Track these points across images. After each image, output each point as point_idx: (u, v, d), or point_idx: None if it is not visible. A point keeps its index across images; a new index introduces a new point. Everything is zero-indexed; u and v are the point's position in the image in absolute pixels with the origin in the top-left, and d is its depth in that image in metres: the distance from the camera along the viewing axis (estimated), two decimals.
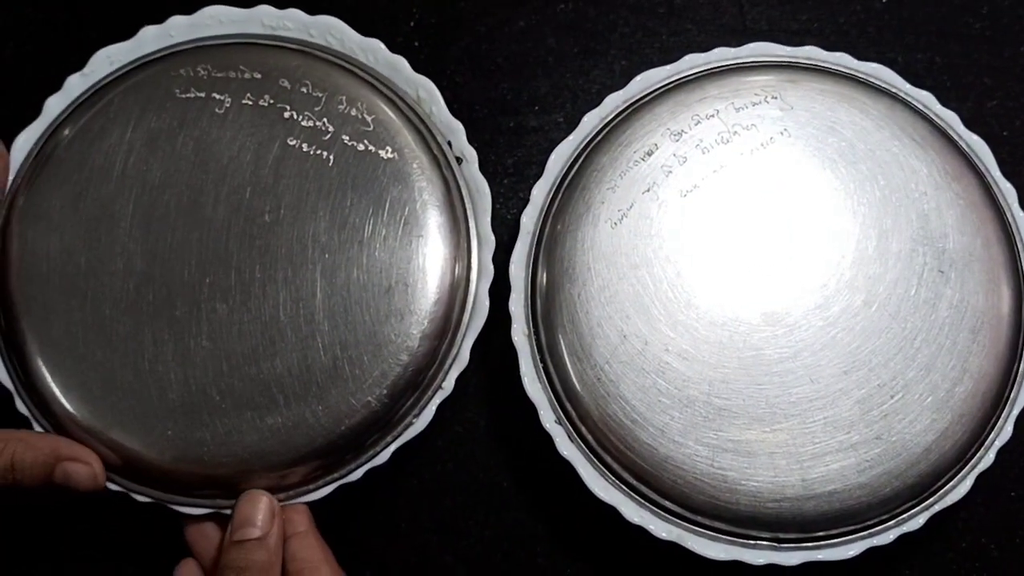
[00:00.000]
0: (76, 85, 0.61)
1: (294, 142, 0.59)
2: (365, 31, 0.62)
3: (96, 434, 0.56)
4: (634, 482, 0.57)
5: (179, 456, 0.56)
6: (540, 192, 0.61)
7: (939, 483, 0.56)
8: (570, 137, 0.62)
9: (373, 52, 0.62)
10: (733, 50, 0.63)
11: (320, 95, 0.60)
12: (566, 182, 0.61)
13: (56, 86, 0.61)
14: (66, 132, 0.59)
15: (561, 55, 0.70)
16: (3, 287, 0.57)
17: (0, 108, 0.68)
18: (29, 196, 0.58)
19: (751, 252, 0.58)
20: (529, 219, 0.61)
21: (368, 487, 0.59)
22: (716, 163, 0.59)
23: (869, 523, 0.56)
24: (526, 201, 0.61)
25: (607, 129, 0.62)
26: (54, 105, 0.61)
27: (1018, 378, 0.58)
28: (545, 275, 0.59)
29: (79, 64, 0.61)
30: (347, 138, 0.59)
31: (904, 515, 0.56)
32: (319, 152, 0.59)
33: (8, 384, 0.57)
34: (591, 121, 0.62)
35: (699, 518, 0.56)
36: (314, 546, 0.56)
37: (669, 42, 0.70)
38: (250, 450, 0.56)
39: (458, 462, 0.64)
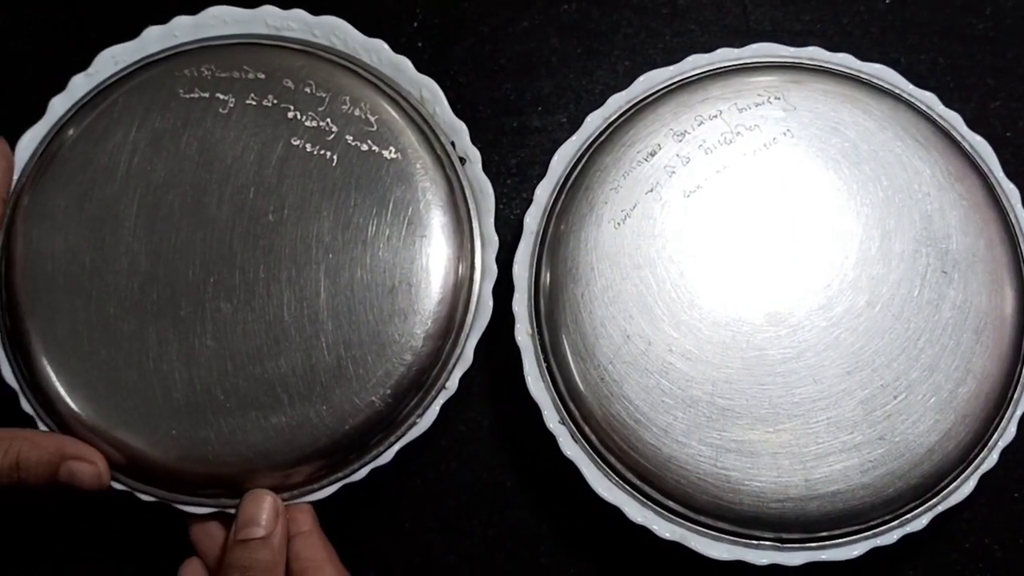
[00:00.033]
0: (80, 85, 0.61)
1: (298, 142, 0.59)
2: (369, 31, 0.62)
3: (101, 433, 0.56)
4: (637, 482, 0.57)
5: (183, 455, 0.56)
6: (543, 192, 0.61)
7: (942, 484, 0.56)
8: (573, 137, 0.62)
9: (377, 52, 0.62)
10: (736, 51, 0.63)
11: (324, 95, 0.60)
12: (569, 182, 0.61)
13: (60, 86, 0.61)
14: (70, 132, 0.59)
15: (565, 55, 0.70)
16: (8, 287, 0.57)
17: (4, 108, 0.68)
18: (34, 196, 0.58)
19: (754, 252, 0.58)
20: (532, 219, 0.61)
21: (372, 486, 0.59)
22: (719, 163, 0.60)
23: (872, 523, 0.56)
24: (529, 201, 0.61)
25: (610, 129, 0.62)
26: (58, 105, 0.61)
27: (1022, 379, 0.58)
28: (548, 275, 0.59)
29: (83, 64, 0.61)
30: (351, 138, 0.59)
31: (907, 515, 0.56)
32: (323, 152, 0.59)
33: (13, 383, 0.57)
34: (594, 121, 0.62)
35: (702, 518, 0.56)
36: (318, 545, 0.56)
37: (672, 43, 0.70)
38: (254, 449, 0.56)
39: (462, 462, 0.64)
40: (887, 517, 0.56)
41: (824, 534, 0.56)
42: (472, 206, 0.61)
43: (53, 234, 0.57)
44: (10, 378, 0.57)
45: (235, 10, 0.63)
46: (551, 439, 0.58)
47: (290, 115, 0.59)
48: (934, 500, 0.56)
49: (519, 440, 0.64)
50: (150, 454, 0.56)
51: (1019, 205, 0.60)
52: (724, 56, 0.63)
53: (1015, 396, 0.57)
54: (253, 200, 0.58)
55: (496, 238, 0.60)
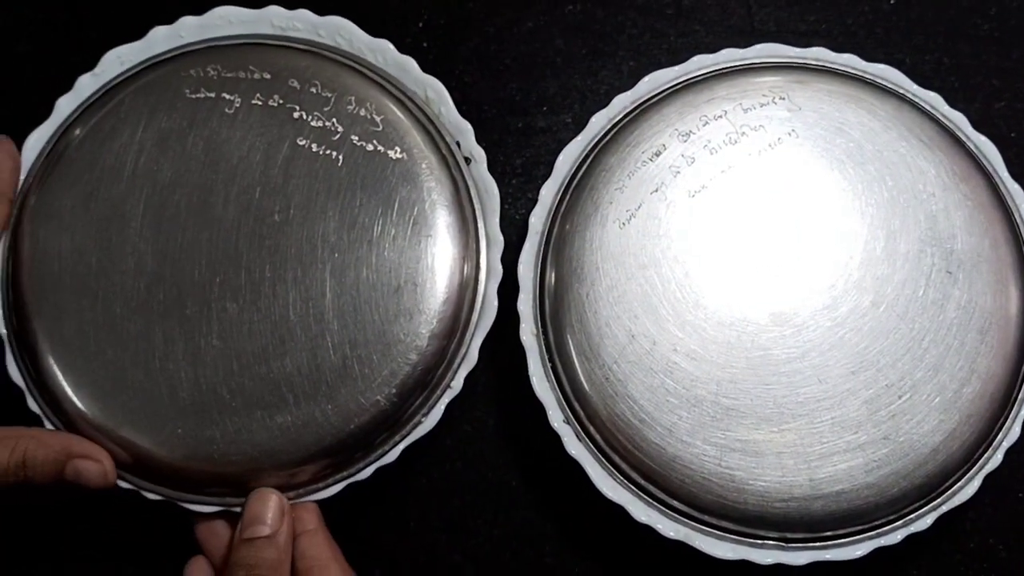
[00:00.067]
0: (87, 85, 0.61)
1: (303, 142, 0.59)
2: (374, 32, 0.63)
3: (107, 432, 0.56)
4: (642, 481, 0.57)
5: (189, 454, 0.56)
6: (548, 192, 0.61)
7: (947, 483, 0.56)
8: (578, 138, 0.62)
9: (382, 53, 0.62)
10: (741, 51, 0.63)
11: (329, 95, 0.60)
12: (574, 182, 0.61)
13: (67, 86, 0.61)
14: (77, 132, 0.59)
15: (569, 56, 0.70)
16: (15, 286, 0.57)
17: (11, 108, 0.68)
18: (40, 196, 0.58)
19: (759, 253, 0.58)
20: (537, 219, 0.61)
21: (377, 486, 0.59)
22: (724, 164, 0.60)
23: (877, 523, 0.56)
24: (534, 201, 0.61)
25: (615, 130, 0.62)
26: (65, 105, 0.61)
27: None
28: (553, 275, 0.60)
29: (90, 64, 0.62)
30: (356, 138, 0.59)
31: (912, 515, 0.56)
32: (328, 152, 0.59)
33: (20, 382, 0.57)
34: (599, 122, 0.62)
35: (707, 517, 0.56)
36: (323, 544, 0.56)
37: (677, 43, 0.70)
38: (260, 448, 0.56)
39: (467, 461, 0.64)
40: (891, 517, 0.56)
41: (828, 534, 0.56)
42: (477, 206, 0.61)
43: (60, 234, 0.58)
44: (17, 377, 0.57)
45: (241, 10, 0.63)
46: (556, 438, 0.58)
47: (296, 115, 0.59)
48: (938, 500, 0.56)
49: (524, 439, 0.64)
50: (156, 453, 0.56)
51: None
52: (729, 56, 0.63)
53: (1020, 396, 0.57)
54: (259, 200, 0.58)
55: (501, 238, 0.60)
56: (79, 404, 0.56)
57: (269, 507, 0.55)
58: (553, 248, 0.60)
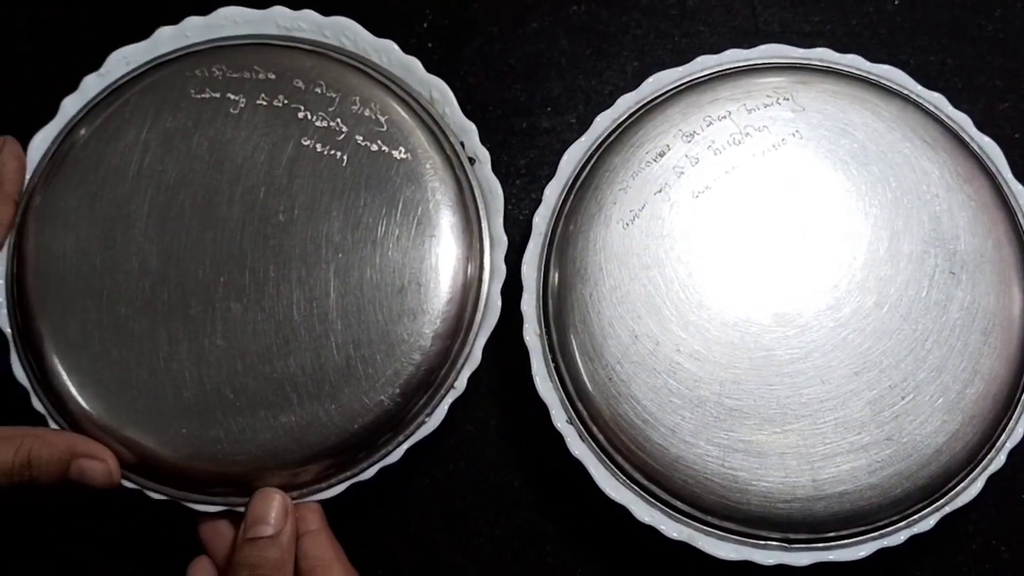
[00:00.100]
0: (92, 85, 0.61)
1: (308, 142, 0.59)
2: (379, 32, 0.63)
3: (111, 432, 0.56)
4: (645, 482, 0.57)
5: (193, 454, 0.56)
6: (552, 193, 0.62)
7: (950, 484, 0.56)
8: (582, 138, 0.62)
9: (387, 53, 0.62)
10: (745, 52, 0.63)
11: (334, 95, 0.60)
12: (578, 183, 0.61)
13: (72, 86, 0.61)
14: (82, 132, 0.60)
15: (574, 57, 0.70)
16: (20, 286, 0.58)
17: (17, 108, 0.68)
18: (45, 196, 0.59)
19: (763, 253, 0.58)
20: (541, 219, 0.61)
21: (380, 486, 0.59)
22: (728, 164, 0.60)
23: (880, 524, 0.56)
24: (538, 202, 0.61)
25: (619, 130, 0.62)
26: (70, 105, 0.61)
27: None
28: (557, 275, 0.60)
29: (95, 64, 0.62)
30: (361, 138, 0.59)
31: (915, 516, 0.56)
32: (333, 152, 0.59)
33: (25, 382, 0.57)
34: (603, 122, 0.62)
35: (710, 518, 0.56)
36: (326, 544, 0.56)
37: (681, 44, 0.70)
38: (264, 448, 0.56)
39: (470, 461, 0.64)
40: (894, 518, 0.56)
41: (831, 535, 0.56)
42: (481, 206, 0.61)
43: (64, 234, 0.58)
44: (21, 377, 0.57)
45: (246, 11, 0.63)
46: (559, 439, 0.58)
47: (300, 115, 0.60)
48: (941, 501, 0.56)
49: (527, 440, 0.64)
50: (160, 453, 0.56)
51: None
52: (733, 57, 0.63)
53: (1023, 397, 0.57)
54: (263, 200, 0.58)
55: (505, 238, 0.60)
56: (83, 404, 0.56)
57: (273, 507, 0.55)
58: (557, 248, 0.60)
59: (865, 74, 0.62)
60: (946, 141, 0.60)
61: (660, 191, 0.59)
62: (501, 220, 0.60)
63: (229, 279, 0.57)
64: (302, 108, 0.60)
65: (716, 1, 0.71)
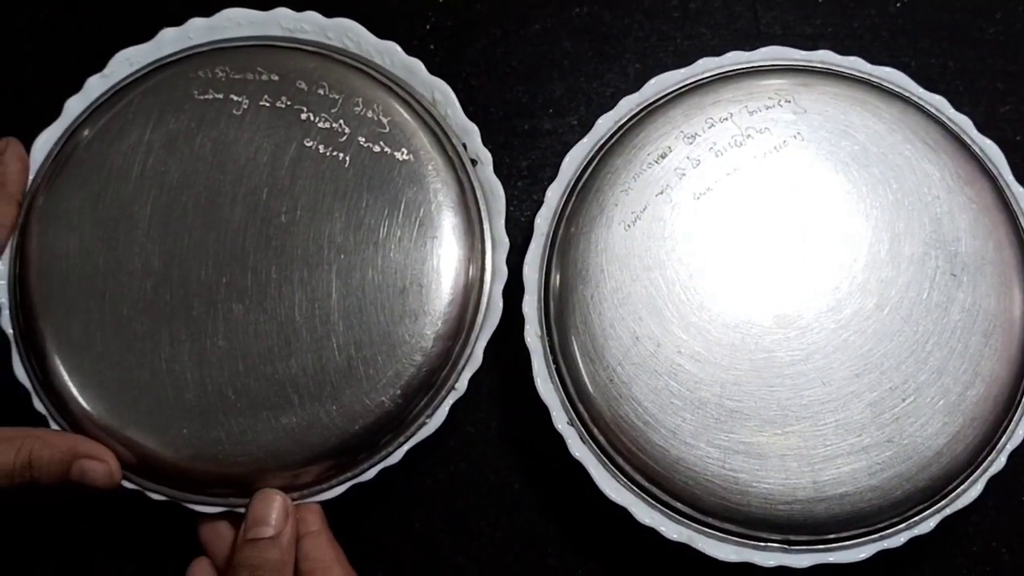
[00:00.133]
0: (96, 86, 0.62)
1: (311, 143, 0.59)
2: (381, 34, 0.63)
3: (112, 432, 0.56)
4: (645, 483, 0.57)
5: (194, 455, 0.56)
6: (554, 194, 0.62)
7: (950, 486, 0.56)
8: (584, 140, 0.62)
9: (389, 54, 0.63)
10: (747, 54, 0.63)
11: (337, 97, 0.60)
12: (580, 184, 0.61)
13: (76, 87, 0.61)
14: (85, 133, 0.60)
15: (576, 58, 0.70)
16: (22, 286, 0.58)
17: (20, 109, 0.69)
18: (48, 196, 0.59)
19: (764, 255, 0.58)
20: (543, 221, 0.61)
21: (381, 487, 0.59)
22: (729, 166, 0.60)
23: (880, 526, 0.56)
24: (540, 203, 0.61)
25: (621, 132, 0.62)
26: (74, 106, 0.61)
27: None
28: (558, 277, 0.60)
29: (99, 66, 0.62)
30: (363, 140, 0.59)
31: (915, 518, 0.56)
32: (335, 153, 0.59)
33: (26, 382, 0.57)
34: (605, 124, 0.62)
35: (710, 520, 0.56)
36: (326, 546, 0.56)
37: (683, 46, 0.70)
38: (265, 449, 0.56)
39: (470, 462, 0.64)
40: (895, 520, 0.56)
41: (832, 536, 0.56)
42: (483, 208, 0.61)
43: (67, 234, 0.58)
44: (23, 377, 0.58)
45: (249, 12, 0.63)
46: (560, 440, 0.58)
47: (303, 116, 0.60)
48: (942, 503, 0.56)
49: (528, 441, 0.64)
50: (161, 453, 0.56)
51: None
52: (735, 59, 0.63)
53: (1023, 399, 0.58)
54: (266, 201, 0.58)
55: (507, 240, 0.60)
56: (85, 404, 0.56)
57: (273, 508, 0.56)
58: (558, 250, 0.60)
59: (866, 76, 0.62)
60: (947, 143, 0.60)
61: (662, 193, 0.59)
62: (503, 221, 0.60)
63: (231, 280, 0.57)
64: (305, 109, 0.60)
65: (718, 3, 0.71)
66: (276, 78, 0.60)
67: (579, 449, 0.58)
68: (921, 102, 0.62)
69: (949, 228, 0.58)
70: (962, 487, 0.57)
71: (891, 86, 0.62)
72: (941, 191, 0.59)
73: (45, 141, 0.60)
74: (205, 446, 0.56)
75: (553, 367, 0.59)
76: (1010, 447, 0.57)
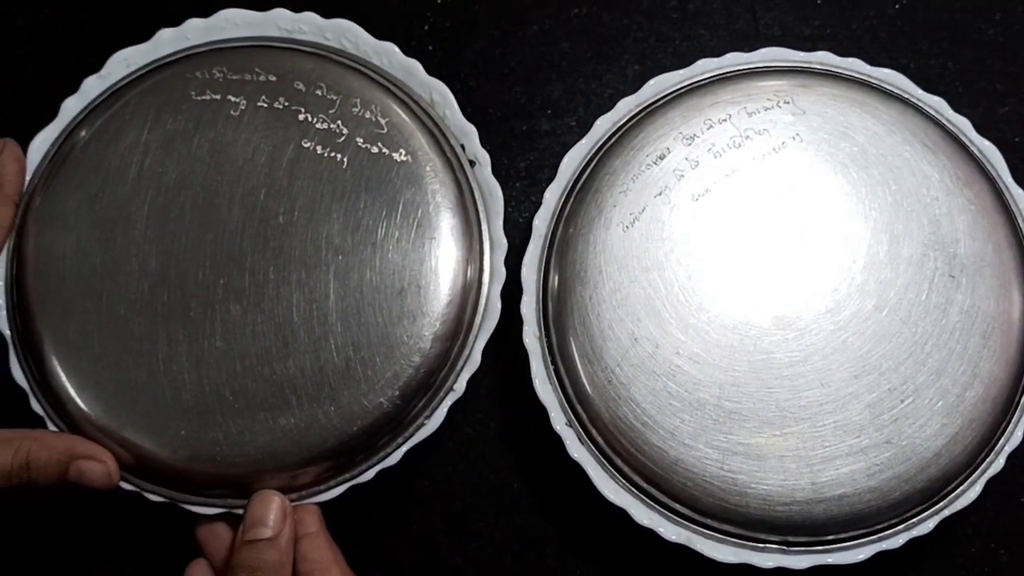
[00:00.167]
0: (93, 87, 0.61)
1: (308, 144, 0.59)
2: (380, 35, 0.63)
3: (110, 433, 0.56)
4: (644, 484, 0.57)
5: (192, 456, 0.56)
6: (552, 195, 0.62)
7: (949, 487, 0.56)
8: (583, 141, 0.62)
9: (387, 55, 0.62)
10: (746, 55, 0.63)
11: (335, 98, 0.60)
12: (578, 186, 0.61)
13: (73, 88, 0.61)
14: (82, 133, 0.60)
15: (574, 59, 0.70)
16: (19, 287, 0.57)
17: (17, 109, 0.68)
18: (45, 197, 0.59)
19: (762, 256, 0.58)
20: (541, 222, 0.61)
21: (379, 488, 0.59)
22: (728, 167, 0.60)
23: (879, 527, 0.56)
24: (538, 204, 0.61)
25: (619, 133, 0.62)
26: (71, 107, 0.61)
27: None
28: (557, 278, 0.60)
29: (96, 66, 0.62)
30: (361, 140, 0.59)
31: (914, 519, 0.56)
32: (333, 154, 0.59)
33: (24, 384, 0.57)
34: (604, 125, 0.62)
35: (709, 521, 0.56)
36: (325, 547, 0.56)
37: (682, 47, 0.70)
38: (263, 450, 0.56)
39: (469, 464, 0.64)
40: (893, 521, 0.56)
41: (830, 537, 0.56)
42: (481, 209, 0.61)
43: (64, 235, 0.58)
44: (20, 378, 0.57)
45: (247, 13, 0.63)
46: (558, 441, 0.58)
47: (301, 117, 0.60)
48: (940, 504, 0.56)
49: (526, 442, 0.64)
50: (159, 454, 0.56)
51: None
52: (734, 60, 0.63)
53: (1022, 401, 0.57)
54: (263, 202, 0.58)
55: (505, 241, 0.60)
56: (82, 405, 0.56)
57: (271, 509, 0.55)
58: (556, 251, 0.60)
59: (865, 78, 0.62)
60: (946, 145, 0.60)
61: (660, 194, 0.59)
62: (501, 222, 0.60)
63: (229, 281, 0.57)
64: (303, 110, 0.60)
65: (717, 5, 0.71)
66: (274, 79, 0.60)
67: (577, 450, 0.58)
68: (920, 103, 0.62)
69: (948, 230, 0.58)
70: (961, 488, 0.57)
71: (890, 87, 0.62)
72: (940, 192, 0.59)
73: (42, 142, 0.60)
74: (203, 447, 0.56)
75: (551, 368, 0.59)
76: (1009, 448, 0.57)
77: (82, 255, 0.57)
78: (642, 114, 0.62)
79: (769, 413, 0.56)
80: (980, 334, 0.57)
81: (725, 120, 0.61)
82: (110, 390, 0.56)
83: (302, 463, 0.56)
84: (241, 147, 0.59)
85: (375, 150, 0.59)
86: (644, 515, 0.57)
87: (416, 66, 0.62)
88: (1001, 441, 0.57)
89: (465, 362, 0.59)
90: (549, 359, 0.59)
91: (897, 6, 0.70)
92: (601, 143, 0.62)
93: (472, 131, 0.61)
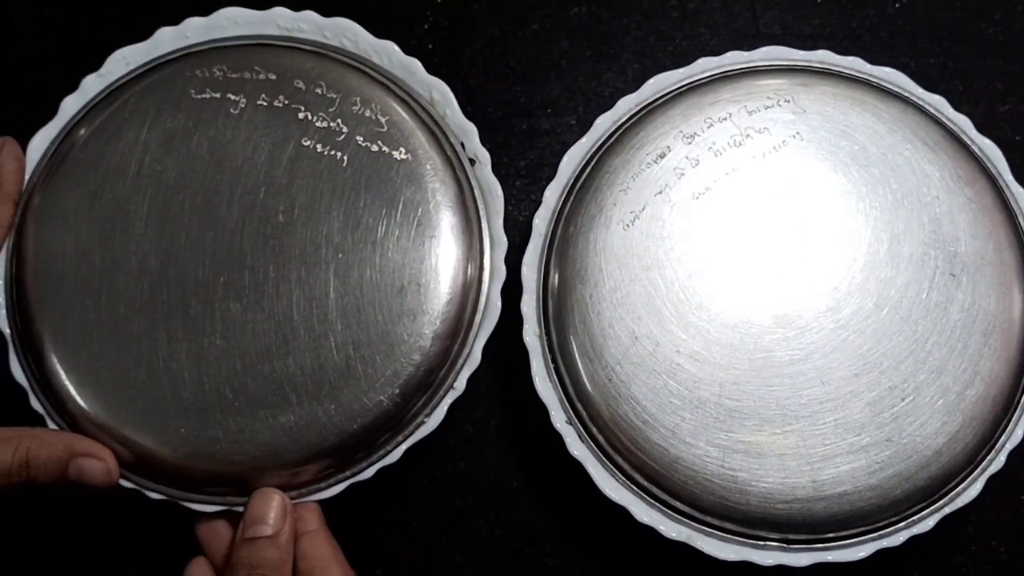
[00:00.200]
0: (92, 85, 0.61)
1: (308, 143, 0.59)
2: (380, 33, 0.63)
3: (110, 431, 0.56)
4: (644, 482, 0.57)
5: (192, 453, 0.56)
6: (552, 194, 0.62)
7: (949, 485, 0.56)
8: (582, 139, 0.62)
9: (387, 54, 0.62)
10: (746, 54, 0.63)
11: (334, 96, 0.60)
12: (578, 184, 0.61)
13: (72, 86, 0.61)
14: (82, 132, 0.60)
15: (574, 58, 0.70)
16: (19, 286, 0.57)
17: (17, 108, 0.68)
18: (45, 196, 0.58)
19: (763, 255, 0.58)
20: (541, 221, 0.61)
21: (379, 486, 0.59)
22: (728, 166, 0.60)
23: (879, 525, 0.56)
24: (538, 203, 0.61)
25: (619, 132, 0.62)
26: (70, 105, 0.61)
27: None
28: (557, 276, 0.60)
29: (95, 65, 0.62)
30: (361, 139, 0.59)
31: (914, 517, 0.56)
32: (333, 153, 0.59)
33: (23, 382, 0.57)
34: (604, 124, 0.62)
35: (709, 519, 0.56)
36: (324, 544, 0.56)
37: (682, 46, 0.70)
38: (263, 448, 0.56)
39: (469, 462, 0.64)
40: (894, 519, 0.56)
41: (831, 535, 0.56)
42: (481, 207, 0.61)
43: (64, 234, 0.58)
44: (20, 376, 0.57)
45: (247, 11, 0.63)
46: (558, 439, 0.58)
47: (301, 116, 0.60)
48: (941, 502, 0.56)
49: (526, 440, 0.64)
50: (159, 452, 0.56)
51: None
52: (734, 59, 0.63)
53: (1022, 399, 0.57)
54: (263, 200, 0.58)
55: (505, 239, 0.60)
56: (82, 403, 0.56)
57: (271, 507, 0.55)
58: (557, 249, 0.60)
59: (866, 76, 0.62)
60: (947, 144, 0.60)
61: (660, 192, 0.59)
62: (501, 221, 0.60)
63: (229, 279, 0.57)
64: (302, 109, 0.60)
65: (717, 3, 0.71)
66: (273, 77, 0.60)
67: (578, 448, 0.58)
68: (920, 102, 0.62)
69: (948, 228, 0.58)
70: (961, 486, 0.57)
71: (890, 86, 0.62)
72: (940, 191, 0.59)
73: (41, 140, 0.60)
74: (203, 445, 0.56)
75: (552, 366, 0.59)
76: (1009, 446, 0.57)
77: (81, 254, 0.57)
78: (642, 113, 0.62)
79: (769, 411, 0.56)
80: (981, 332, 0.57)
81: (725, 119, 0.61)
82: (110, 388, 0.56)
83: (302, 461, 0.56)
84: (241, 145, 0.59)
85: (375, 148, 0.59)
86: (644, 513, 0.57)
87: (416, 65, 0.62)
88: (1002, 439, 0.57)
89: (465, 360, 0.59)
90: (549, 357, 0.59)
91: (897, 5, 0.70)
92: (601, 142, 0.62)
93: (472, 129, 0.61)
